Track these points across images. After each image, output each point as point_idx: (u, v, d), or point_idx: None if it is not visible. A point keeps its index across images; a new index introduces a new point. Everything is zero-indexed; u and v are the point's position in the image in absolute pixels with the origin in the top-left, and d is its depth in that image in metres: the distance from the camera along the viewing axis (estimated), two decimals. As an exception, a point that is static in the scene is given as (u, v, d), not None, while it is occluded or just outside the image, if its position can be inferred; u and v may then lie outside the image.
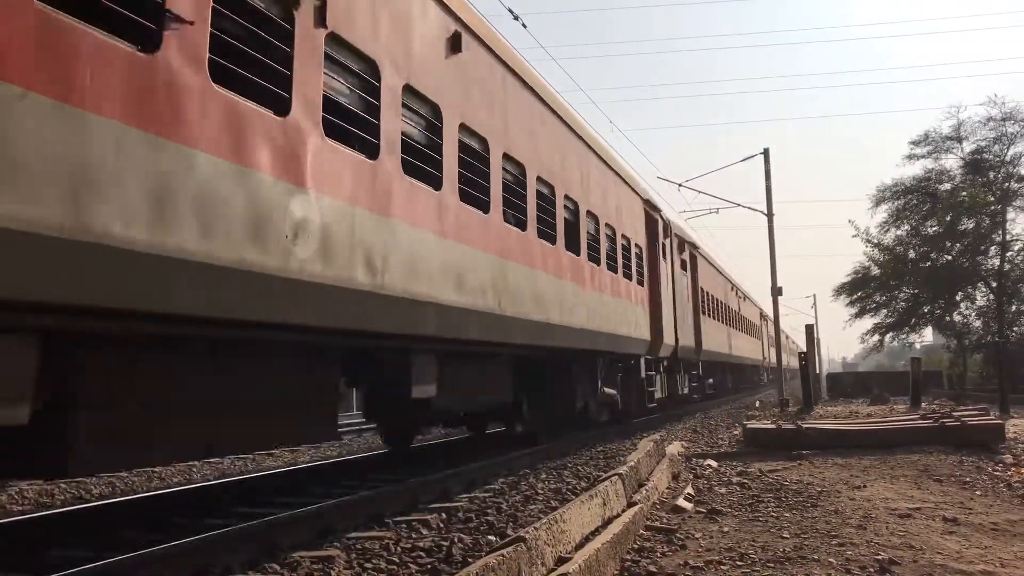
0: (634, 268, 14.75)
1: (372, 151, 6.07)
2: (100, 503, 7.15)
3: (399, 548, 5.22)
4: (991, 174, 30.31)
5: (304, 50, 5.22)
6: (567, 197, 10.93)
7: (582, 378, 12.39)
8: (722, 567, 4.58)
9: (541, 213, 9.80)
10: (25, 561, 4.92)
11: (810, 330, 23.54)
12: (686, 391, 20.72)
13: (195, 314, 4.27)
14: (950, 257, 31.33)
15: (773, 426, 12.01)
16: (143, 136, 3.94)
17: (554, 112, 10.59)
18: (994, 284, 30.31)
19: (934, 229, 31.53)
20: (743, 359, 33.69)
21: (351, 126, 5.84)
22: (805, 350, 24.22)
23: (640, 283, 15.25)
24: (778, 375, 27.21)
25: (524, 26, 12.42)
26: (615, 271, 13.32)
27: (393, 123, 6.36)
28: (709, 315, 23.78)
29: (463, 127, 7.67)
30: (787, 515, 6.19)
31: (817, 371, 33.54)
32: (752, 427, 12.04)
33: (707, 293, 23.77)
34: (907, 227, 32.41)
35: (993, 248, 30.56)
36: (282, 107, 5.01)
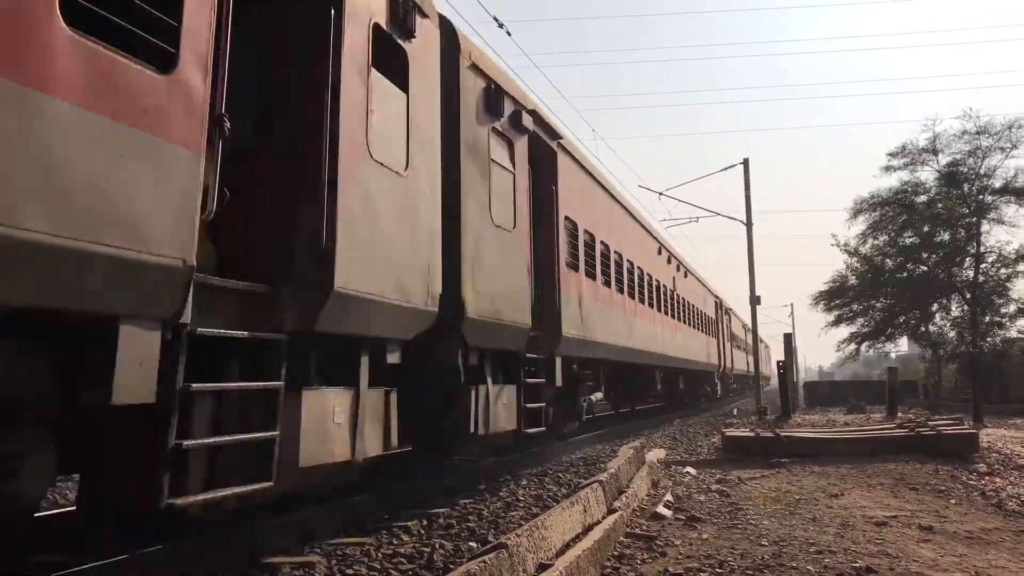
0: (713, 330, 29.17)
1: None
2: (76, 507, 7.06)
3: (380, 554, 5.21)
4: (966, 186, 30.77)
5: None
6: (700, 310, 25.81)
7: (700, 382, 28.36)
8: (701, 574, 4.61)
9: (694, 316, 24.37)
10: None
11: (788, 339, 23.72)
12: (726, 391, 37.28)
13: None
14: (926, 268, 31.75)
15: (752, 434, 12.10)
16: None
17: (692, 274, 25.13)
18: (968, 295, 30.73)
19: (911, 240, 31.97)
20: (743, 371, 45.72)
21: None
22: (783, 358, 24.39)
23: (715, 336, 29.65)
24: (756, 384, 27.41)
25: (508, 34, 12.46)
26: (710, 335, 27.99)
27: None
28: (732, 346, 37.52)
29: (680, 296, 21.81)
30: (766, 523, 6.25)
31: (795, 380, 33.91)
32: (731, 435, 12.13)
33: (731, 332, 37.66)
34: (884, 238, 32.86)
35: (968, 260, 31.00)
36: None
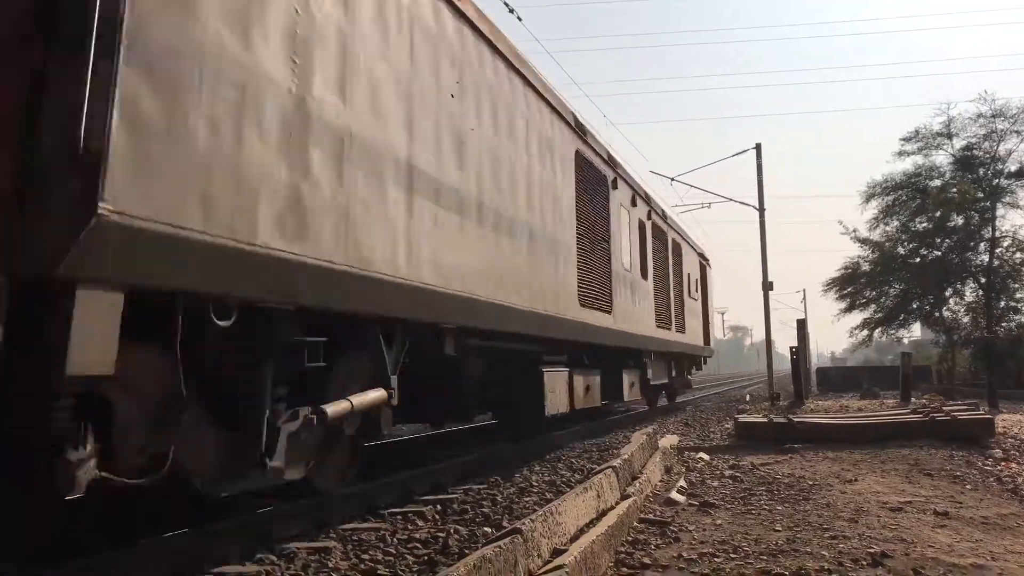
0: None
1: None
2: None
3: (395, 539, 5.24)
4: (981, 171, 30.47)
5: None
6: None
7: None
8: (715, 559, 4.61)
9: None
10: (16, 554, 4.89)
11: (801, 324, 23.64)
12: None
13: None
14: (940, 253, 31.51)
15: (764, 420, 12.08)
16: None
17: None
18: (983, 280, 30.51)
19: (924, 225, 31.72)
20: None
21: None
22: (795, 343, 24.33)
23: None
24: (768, 368, 27.33)
25: (519, 19, 12.41)
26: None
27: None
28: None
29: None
30: (779, 508, 6.24)
31: (807, 365, 33.76)
32: (744, 421, 12.11)
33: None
34: (897, 223, 32.61)
35: (982, 244, 30.76)
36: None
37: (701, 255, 23.34)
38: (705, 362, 24.50)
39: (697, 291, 22.01)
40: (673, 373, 19.50)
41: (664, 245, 17.07)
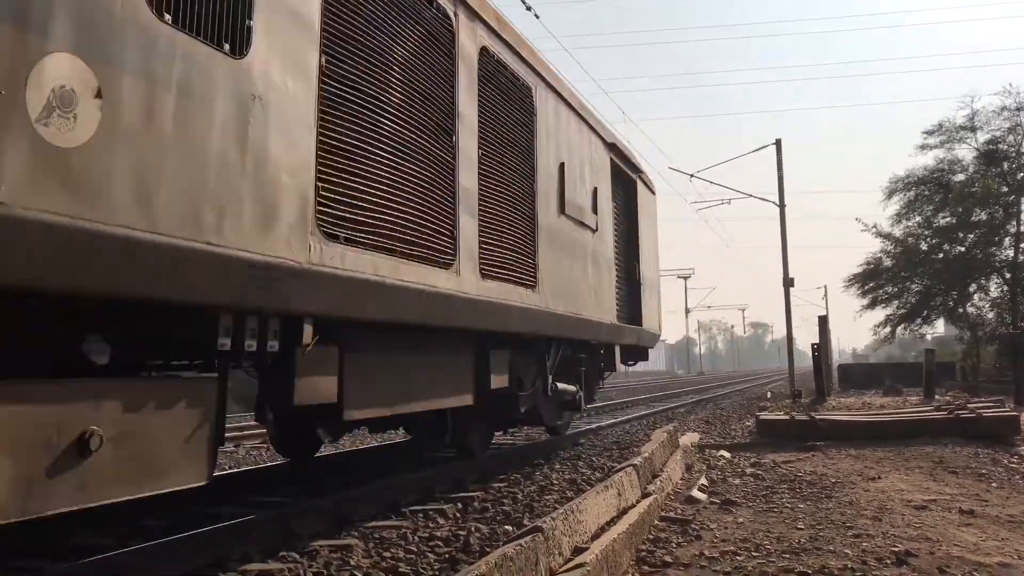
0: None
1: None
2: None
3: (416, 537, 5.26)
4: (1005, 164, 30.06)
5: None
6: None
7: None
8: (737, 558, 4.59)
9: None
10: (42, 549, 4.95)
11: (823, 321, 23.46)
12: None
13: None
14: (963, 248, 31.12)
15: (786, 417, 12.01)
16: None
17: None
18: (1008, 275, 30.10)
19: (947, 220, 31.34)
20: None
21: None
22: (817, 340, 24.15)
23: None
24: (790, 364, 27.12)
25: (536, 16, 12.39)
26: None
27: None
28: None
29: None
30: (802, 506, 6.20)
31: (829, 362, 33.44)
32: (765, 418, 12.04)
33: None
34: (919, 218, 32.24)
35: (1007, 239, 30.35)
36: None
37: (615, 149, 11.53)
38: (644, 356, 13.51)
39: (600, 215, 10.46)
40: (505, 382, 8.14)
41: (467, 72, 6.63)
